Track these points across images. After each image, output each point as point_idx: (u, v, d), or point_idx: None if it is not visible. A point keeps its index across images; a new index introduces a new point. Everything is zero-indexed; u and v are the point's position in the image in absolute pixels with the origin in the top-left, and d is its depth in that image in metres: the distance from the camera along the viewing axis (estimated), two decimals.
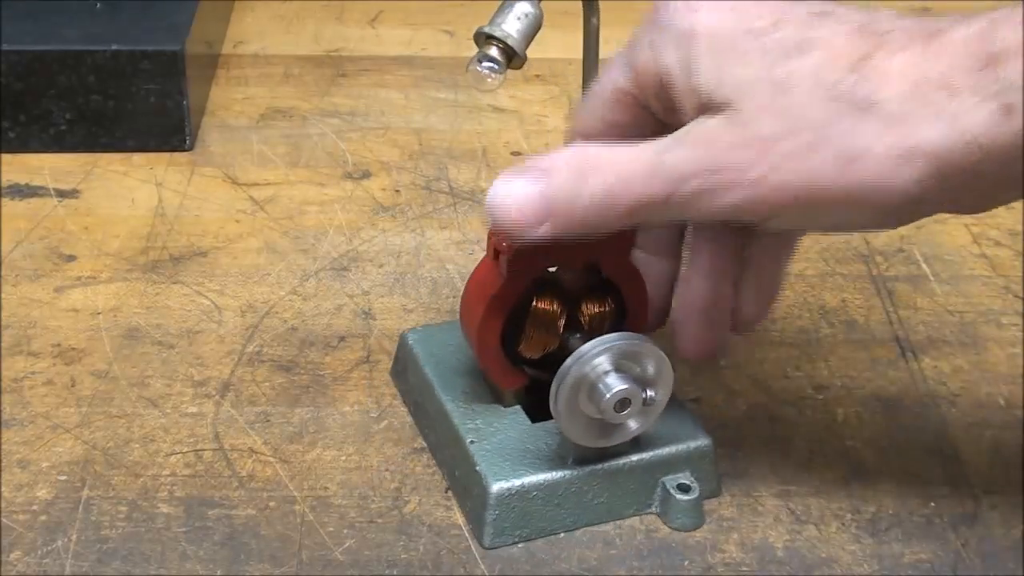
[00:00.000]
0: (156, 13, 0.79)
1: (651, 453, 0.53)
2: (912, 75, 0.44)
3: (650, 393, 0.51)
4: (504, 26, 0.51)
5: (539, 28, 0.52)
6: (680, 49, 0.48)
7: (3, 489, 0.54)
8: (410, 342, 0.59)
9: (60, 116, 0.76)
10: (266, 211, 0.73)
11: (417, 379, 0.58)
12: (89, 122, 0.76)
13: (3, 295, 0.65)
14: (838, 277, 0.68)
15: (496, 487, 0.52)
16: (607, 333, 0.52)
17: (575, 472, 0.53)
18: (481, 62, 0.51)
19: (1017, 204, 0.75)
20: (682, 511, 0.53)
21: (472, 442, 0.53)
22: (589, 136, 0.52)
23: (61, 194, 0.74)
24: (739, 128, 0.46)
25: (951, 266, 0.69)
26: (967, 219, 0.73)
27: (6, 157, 0.76)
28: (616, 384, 0.50)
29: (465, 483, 0.53)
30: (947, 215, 0.73)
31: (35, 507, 0.53)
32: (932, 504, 0.55)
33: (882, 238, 0.71)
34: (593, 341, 0.50)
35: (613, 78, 0.51)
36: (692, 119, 0.48)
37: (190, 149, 0.78)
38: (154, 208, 0.73)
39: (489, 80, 0.51)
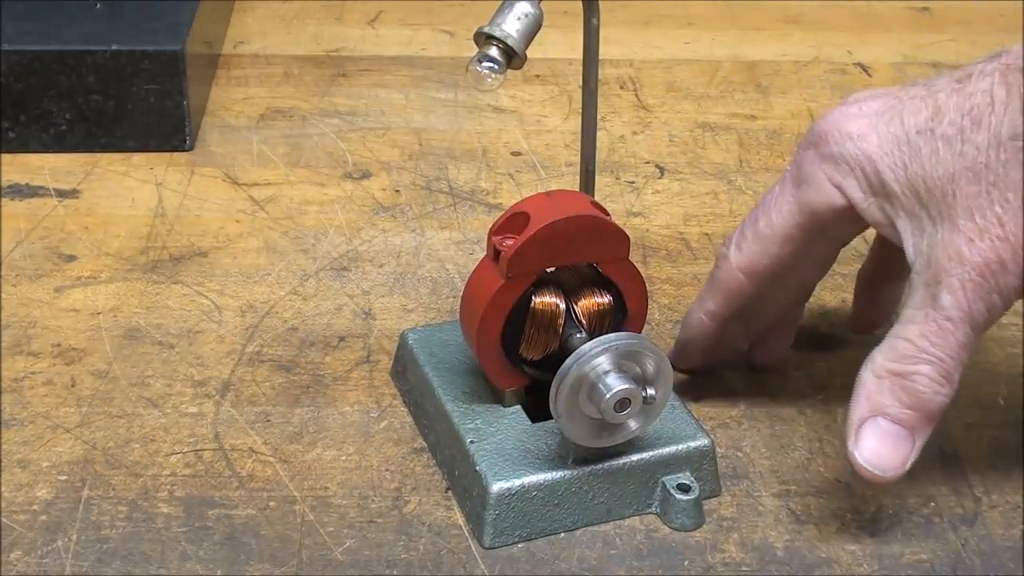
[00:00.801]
0: (156, 13, 0.79)
1: (651, 453, 0.53)
2: None
3: (650, 392, 0.51)
4: (504, 26, 0.51)
5: (539, 28, 0.52)
6: (861, 175, 0.51)
7: (3, 489, 0.54)
8: (410, 342, 0.59)
9: (60, 116, 0.76)
10: (266, 211, 0.73)
11: (417, 379, 0.58)
12: (89, 122, 0.77)
13: (3, 295, 0.65)
14: (838, 277, 0.68)
15: (496, 487, 0.52)
16: (607, 333, 0.52)
17: (575, 472, 0.53)
18: (481, 62, 0.51)
19: None
20: (682, 511, 0.53)
21: (472, 442, 0.53)
22: (756, 272, 0.55)
23: (61, 194, 0.74)
24: (970, 224, 0.48)
25: None
26: None
27: (6, 157, 0.76)
28: (616, 384, 0.50)
29: (465, 483, 0.53)
30: None
31: (35, 507, 0.53)
32: (932, 504, 0.55)
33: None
34: (593, 341, 0.50)
35: (786, 218, 0.54)
36: (887, 228, 0.51)
37: (190, 149, 0.78)
38: (154, 208, 0.73)
39: (489, 80, 0.51)
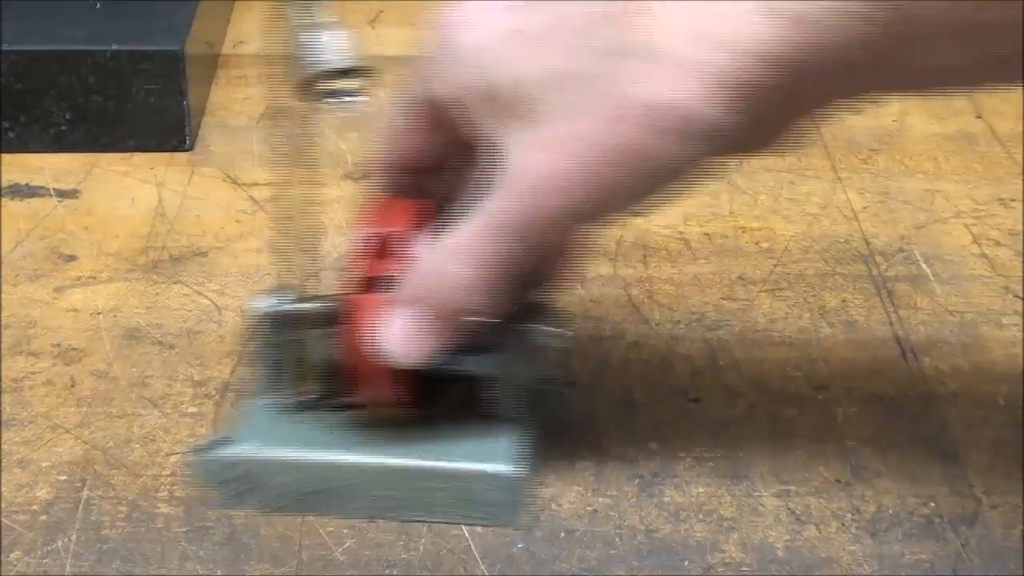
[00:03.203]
0: (156, 13, 0.79)
1: (431, 463, 0.53)
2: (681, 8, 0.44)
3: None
4: (324, 57, 0.50)
5: (340, 31, 0.50)
6: (465, 70, 0.48)
7: (3, 489, 0.54)
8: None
9: (60, 116, 0.76)
10: (266, 211, 0.73)
11: None
12: (89, 122, 0.77)
13: (3, 295, 0.65)
14: (838, 277, 0.68)
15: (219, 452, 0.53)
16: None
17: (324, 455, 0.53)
18: (336, 98, 0.50)
19: (1017, 204, 0.75)
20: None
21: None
22: (400, 164, 0.53)
23: (61, 194, 0.74)
24: (548, 131, 0.45)
25: (951, 266, 0.69)
26: (967, 219, 0.73)
27: (6, 157, 0.76)
28: None
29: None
30: (948, 215, 0.73)
31: (35, 507, 0.53)
32: (932, 504, 0.55)
33: (882, 238, 0.71)
34: None
35: (411, 112, 0.52)
36: (487, 130, 0.48)
37: (190, 149, 0.78)
38: (154, 208, 0.73)
39: (348, 107, 0.50)
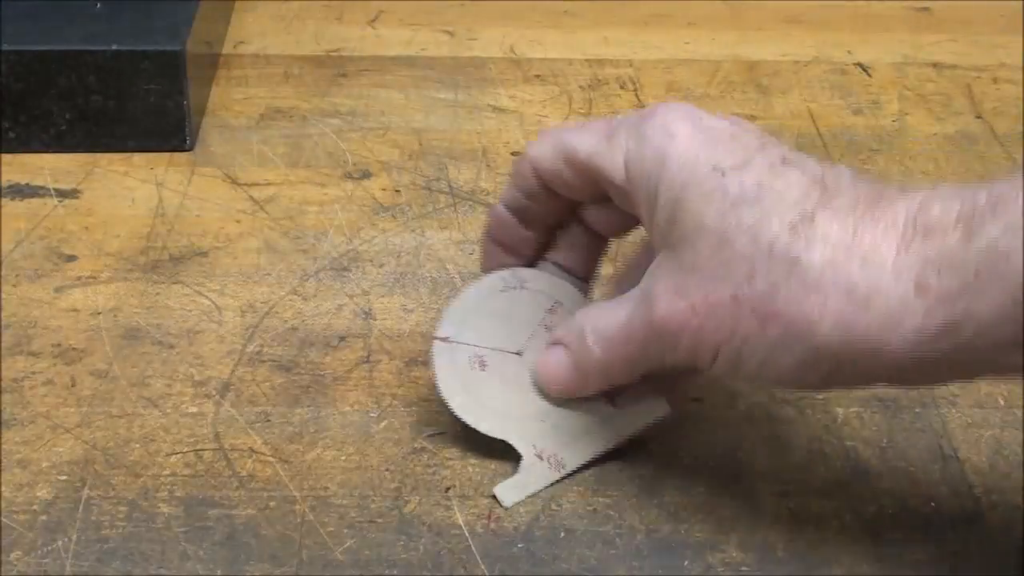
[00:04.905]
0: (156, 13, 0.79)
1: None
2: (842, 241, 0.46)
3: None
4: None
5: None
6: (648, 165, 0.50)
7: (3, 489, 0.54)
8: None
9: (60, 116, 0.76)
10: (266, 211, 0.73)
11: None
12: (89, 122, 0.77)
13: (3, 295, 0.66)
14: None
15: None
16: None
17: None
18: None
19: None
20: None
21: None
22: (509, 207, 0.57)
23: (61, 194, 0.74)
24: (685, 277, 0.48)
25: None
26: None
27: (6, 157, 0.76)
28: None
29: None
30: None
31: (35, 507, 0.53)
32: (932, 504, 0.55)
33: None
34: None
35: (550, 159, 0.54)
36: (648, 227, 0.51)
37: (190, 149, 0.78)
38: (154, 208, 0.73)
39: None
